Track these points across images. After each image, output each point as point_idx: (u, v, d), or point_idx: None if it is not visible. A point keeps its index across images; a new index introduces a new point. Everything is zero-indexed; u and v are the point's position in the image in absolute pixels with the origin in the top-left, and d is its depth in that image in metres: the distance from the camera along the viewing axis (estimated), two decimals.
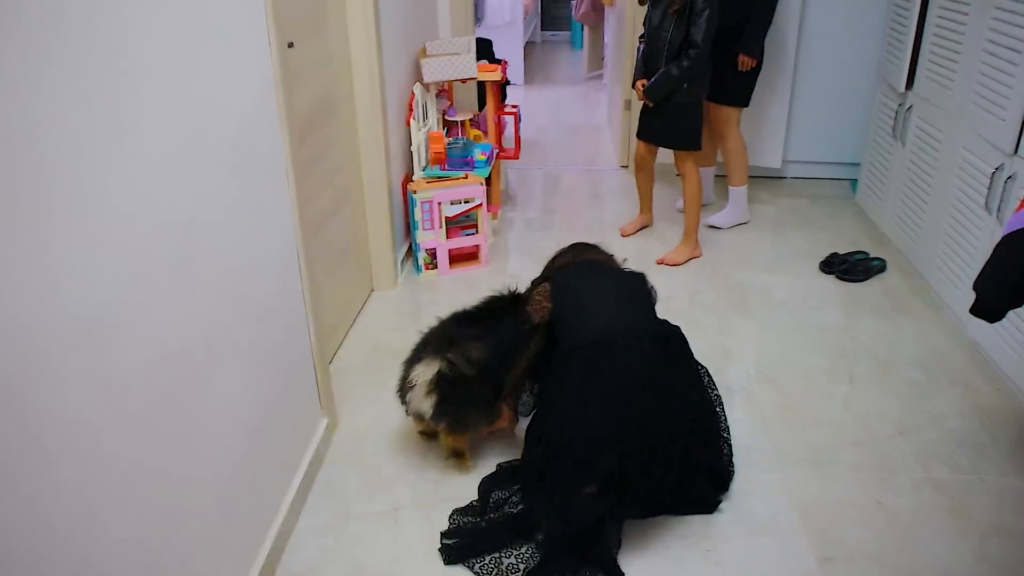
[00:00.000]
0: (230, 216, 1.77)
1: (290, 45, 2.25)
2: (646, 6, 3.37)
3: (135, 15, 1.37)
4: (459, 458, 2.33)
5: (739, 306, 3.23)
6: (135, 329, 1.38)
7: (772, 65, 3.95)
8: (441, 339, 2.24)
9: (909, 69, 3.52)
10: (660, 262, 3.52)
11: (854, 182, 4.34)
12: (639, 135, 3.59)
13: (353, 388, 2.70)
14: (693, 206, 3.50)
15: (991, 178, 2.81)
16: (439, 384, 2.16)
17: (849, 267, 3.46)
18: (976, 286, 2.16)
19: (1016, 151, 2.68)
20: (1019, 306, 2.11)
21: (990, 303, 2.14)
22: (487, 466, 2.33)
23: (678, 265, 3.51)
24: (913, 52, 3.49)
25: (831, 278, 3.46)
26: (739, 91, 3.67)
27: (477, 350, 2.21)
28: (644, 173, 3.74)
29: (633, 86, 3.45)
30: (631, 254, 3.38)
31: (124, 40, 1.34)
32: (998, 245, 2.08)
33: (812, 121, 4.37)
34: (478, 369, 2.18)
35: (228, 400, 1.77)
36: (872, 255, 3.56)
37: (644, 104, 3.41)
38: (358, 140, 3.05)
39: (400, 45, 3.34)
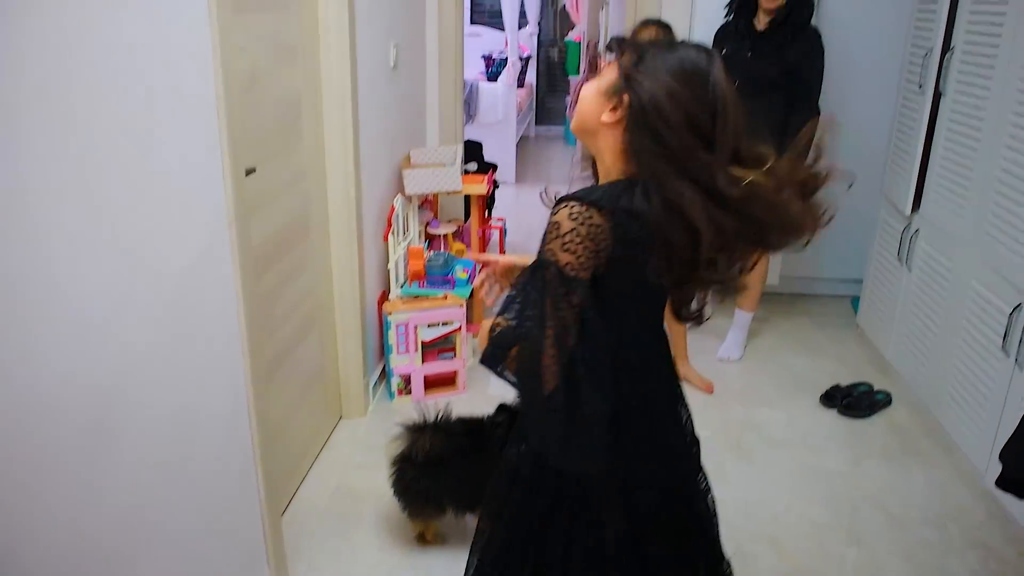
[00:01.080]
0: (165, 374, 1.55)
1: (250, 172, 2.06)
2: None
3: (44, 169, 1.17)
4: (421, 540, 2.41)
5: (736, 448, 2.99)
6: (34, 516, 1.15)
7: None
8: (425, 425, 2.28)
9: (916, 189, 3.35)
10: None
11: (856, 299, 4.15)
12: None
13: (311, 540, 2.44)
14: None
15: (1009, 318, 2.61)
16: (398, 462, 2.27)
17: (852, 401, 3.24)
18: (1003, 456, 1.94)
19: None
20: None
21: (1017, 476, 1.93)
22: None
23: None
24: (920, 171, 3.33)
25: (833, 413, 3.23)
26: None
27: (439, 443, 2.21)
28: None
29: None
30: None
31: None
32: None
33: None
34: (434, 464, 2.21)
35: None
36: (876, 387, 3.34)
37: None
38: (331, 260, 2.85)
39: (381, 155, 3.18)
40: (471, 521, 2.32)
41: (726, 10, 3.38)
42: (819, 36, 3.24)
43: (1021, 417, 1.90)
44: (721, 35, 3.41)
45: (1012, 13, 2.69)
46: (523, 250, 4.83)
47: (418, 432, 2.20)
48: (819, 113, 3.26)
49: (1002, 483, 1.97)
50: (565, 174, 7.60)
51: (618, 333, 1.33)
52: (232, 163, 1.77)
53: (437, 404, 2.34)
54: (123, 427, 1.42)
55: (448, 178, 3.27)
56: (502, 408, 2.27)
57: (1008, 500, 2.56)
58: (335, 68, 2.63)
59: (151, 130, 1.47)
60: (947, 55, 3.13)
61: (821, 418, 3.20)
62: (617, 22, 5.22)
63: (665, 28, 3.03)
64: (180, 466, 1.64)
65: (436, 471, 2.21)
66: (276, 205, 2.35)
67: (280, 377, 2.47)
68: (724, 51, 3.32)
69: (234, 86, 1.83)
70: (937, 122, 3.22)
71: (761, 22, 3.25)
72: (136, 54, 1.42)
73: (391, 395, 3.22)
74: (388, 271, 3.20)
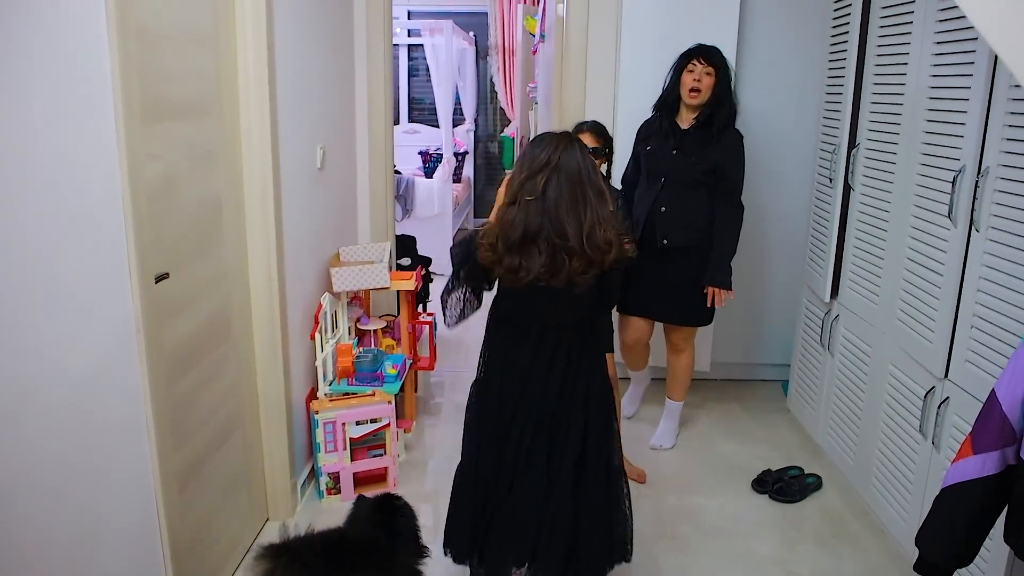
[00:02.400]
0: (66, 482, 1.50)
1: (162, 277, 2.04)
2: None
3: None
4: None
5: (671, 538, 2.97)
6: None
7: None
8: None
9: (833, 277, 3.46)
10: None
11: (785, 383, 4.22)
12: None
13: None
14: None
15: (924, 401, 2.68)
16: None
17: (783, 486, 3.26)
18: (918, 541, 1.96)
19: (947, 375, 2.57)
20: (967, 564, 1.91)
21: (934, 560, 1.94)
22: None
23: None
24: (837, 259, 3.44)
25: (765, 498, 3.24)
26: (703, 311, 3.45)
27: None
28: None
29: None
30: None
31: None
32: (938, 498, 1.90)
33: (740, 323, 4.30)
34: None
35: None
36: (807, 471, 3.37)
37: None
38: (254, 360, 2.82)
39: (308, 254, 3.18)
40: None
41: (654, 109, 3.47)
42: (741, 138, 3.34)
43: (934, 501, 1.92)
44: (645, 132, 3.49)
45: (908, 109, 2.85)
46: (457, 345, 4.82)
47: (274, 559, 1.95)
48: (742, 208, 3.37)
49: (920, 568, 1.98)
50: None
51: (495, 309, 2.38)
52: (140, 270, 1.77)
53: (298, 525, 2.09)
54: (17, 540, 1.36)
55: (375, 275, 3.29)
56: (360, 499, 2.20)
57: None
58: (257, 172, 2.66)
59: (55, 236, 1.47)
60: (853, 151, 3.28)
61: (753, 504, 3.21)
62: (545, 119, 5.39)
63: (599, 132, 3.16)
64: None
65: None
66: (194, 308, 2.33)
67: (199, 482, 2.40)
68: (649, 147, 3.41)
69: (144, 193, 1.83)
70: (848, 214, 3.35)
71: (685, 121, 3.34)
72: (43, 164, 1.42)
73: (320, 494, 3.15)
74: (316, 368, 3.16)
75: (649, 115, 3.50)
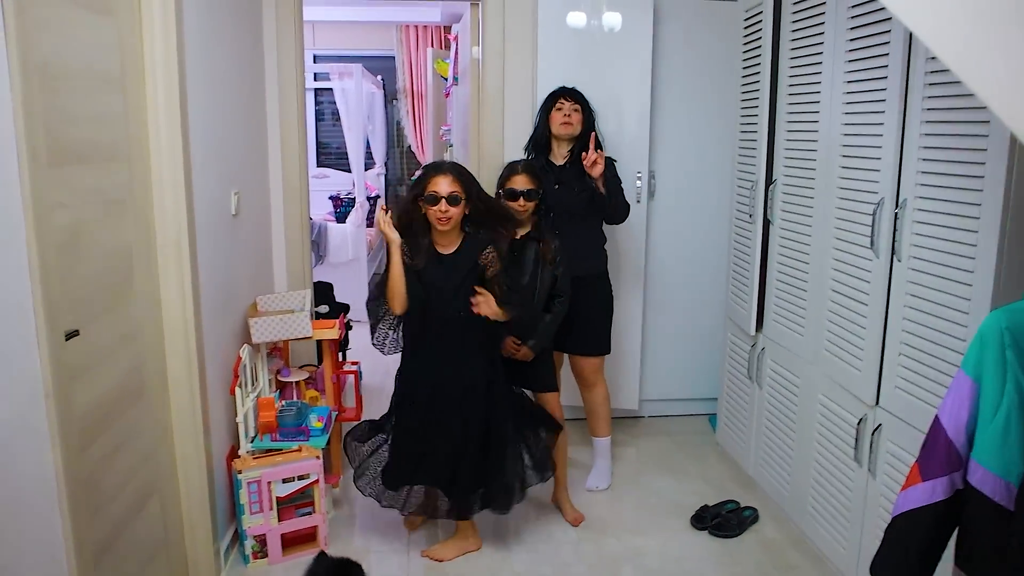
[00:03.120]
0: None
1: (72, 335, 1.88)
2: None
3: None
4: None
5: None
6: None
7: (621, 306, 3.89)
8: None
9: (757, 310, 3.50)
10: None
11: (713, 417, 4.25)
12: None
13: None
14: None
15: (856, 429, 2.71)
16: None
17: (722, 521, 3.24)
18: (873, 570, 1.96)
19: (878, 402, 2.61)
20: None
21: None
22: None
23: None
24: (760, 293, 3.49)
25: (705, 534, 3.21)
26: (605, 338, 3.54)
27: None
28: None
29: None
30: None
31: None
32: (889, 527, 1.90)
33: (666, 360, 4.32)
34: None
35: None
36: (743, 504, 3.37)
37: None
38: (171, 420, 2.63)
39: (225, 305, 3.03)
40: None
41: (525, 151, 3.58)
42: (613, 161, 3.46)
43: (885, 531, 1.92)
44: None
45: (823, 145, 2.92)
46: (381, 393, 4.68)
47: None
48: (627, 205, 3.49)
49: None
50: None
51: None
52: (49, 327, 1.61)
53: None
54: None
55: (297, 324, 3.15)
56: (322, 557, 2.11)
57: None
58: (170, 219, 2.51)
59: None
60: (771, 186, 3.35)
61: (694, 541, 3.17)
62: (462, 161, 5.35)
63: (534, 173, 3.18)
64: None
65: None
66: (106, 366, 2.15)
67: (115, 553, 2.20)
68: None
69: (51, 244, 1.69)
70: (769, 248, 3.41)
71: (559, 157, 3.48)
72: None
73: (245, 559, 2.95)
74: (237, 425, 2.99)
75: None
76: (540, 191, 3.15)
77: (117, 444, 2.23)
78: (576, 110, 3.41)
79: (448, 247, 2.87)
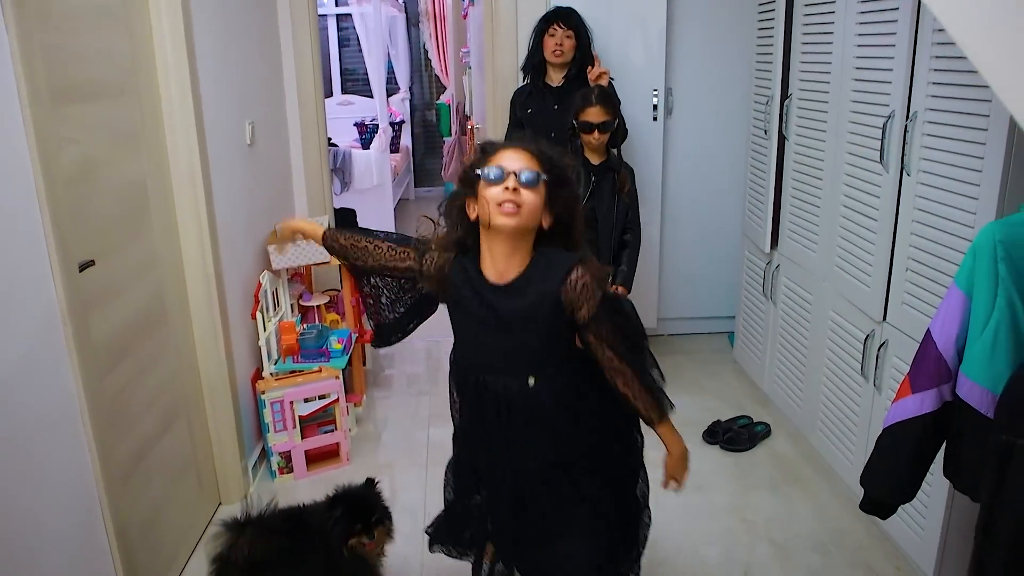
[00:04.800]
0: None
1: (87, 265, 1.96)
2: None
3: None
4: None
5: None
6: None
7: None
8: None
9: (772, 228, 3.50)
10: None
11: (731, 334, 4.28)
12: None
13: None
14: None
15: (864, 344, 2.73)
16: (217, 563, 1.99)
17: (733, 435, 3.31)
18: (863, 480, 2.01)
19: (885, 318, 2.62)
20: (910, 499, 1.96)
21: (879, 497, 2.00)
22: None
23: None
24: (775, 210, 3.48)
25: (716, 449, 3.29)
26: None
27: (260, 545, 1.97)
28: None
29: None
30: None
31: None
32: (880, 437, 1.94)
33: (684, 279, 4.33)
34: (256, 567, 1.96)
35: None
36: (756, 419, 3.43)
37: None
38: (194, 344, 2.75)
39: (243, 233, 3.10)
40: None
41: (521, 74, 3.58)
42: (611, 81, 3.42)
43: (876, 440, 1.96)
44: (523, 97, 3.55)
45: (837, 57, 2.86)
46: None
47: (238, 531, 1.99)
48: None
49: (866, 506, 2.03)
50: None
51: None
52: (61, 259, 1.69)
53: (262, 499, 2.12)
54: None
55: (314, 251, 3.22)
56: (337, 500, 2.15)
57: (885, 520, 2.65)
58: (182, 152, 2.57)
59: None
60: (786, 101, 3.30)
61: (706, 455, 3.26)
62: (479, 84, 5.33)
63: (608, 100, 3.04)
64: None
65: (258, 574, 1.99)
66: (124, 295, 2.25)
67: (145, 472, 2.34)
68: (530, 110, 3.49)
69: (60, 179, 1.75)
70: (784, 164, 3.38)
71: (555, 79, 3.46)
72: None
73: (272, 475, 3.11)
74: (260, 348, 3.10)
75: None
76: (616, 121, 3.05)
77: (141, 368, 2.34)
78: (569, 36, 3.38)
79: (507, 271, 1.72)
